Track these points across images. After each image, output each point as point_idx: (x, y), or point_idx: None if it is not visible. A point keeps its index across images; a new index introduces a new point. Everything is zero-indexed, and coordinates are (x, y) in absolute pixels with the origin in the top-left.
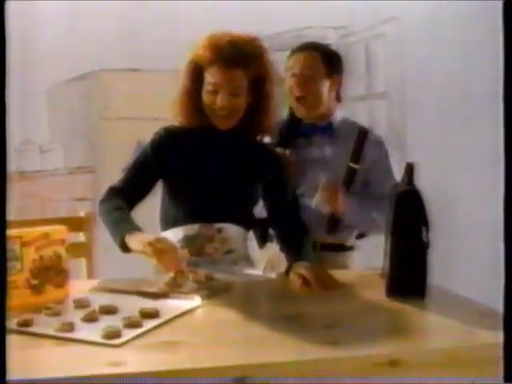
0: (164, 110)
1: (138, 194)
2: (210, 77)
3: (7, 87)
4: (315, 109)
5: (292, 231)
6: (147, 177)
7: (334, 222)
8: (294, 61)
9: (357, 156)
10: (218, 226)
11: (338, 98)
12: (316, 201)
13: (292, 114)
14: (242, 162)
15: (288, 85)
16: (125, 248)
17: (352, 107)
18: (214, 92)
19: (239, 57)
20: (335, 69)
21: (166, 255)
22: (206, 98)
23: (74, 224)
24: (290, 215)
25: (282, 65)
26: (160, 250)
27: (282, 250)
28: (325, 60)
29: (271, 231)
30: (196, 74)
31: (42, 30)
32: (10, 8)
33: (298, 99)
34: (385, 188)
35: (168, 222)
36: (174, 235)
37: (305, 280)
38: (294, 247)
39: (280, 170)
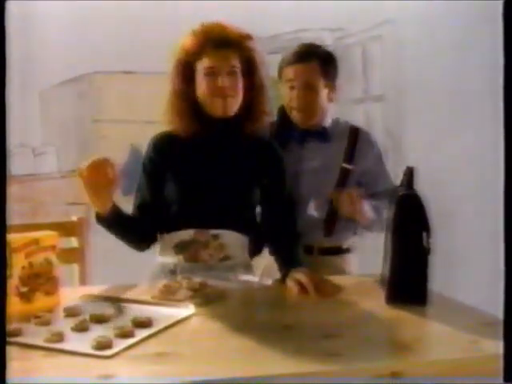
0: (158, 113)
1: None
2: (204, 63)
3: (7, 88)
4: (313, 118)
5: (287, 236)
6: (159, 189)
7: (330, 225)
8: (294, 73)
9: (350, 156)
10: (213, 232)
11: (331, 100)
12: (317, 208)
13: (283, 118)
14: (239, 164)
15: (287, 96)
16: (99, 217)
17: (349, 110)
18: (213, 75)
19: (228, 39)
20: (333, 76)
21: (91, 168)
22: (204, 86)
23: (67, 229)
24: (285, 218)
25: (278, 67)
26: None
27: (272, 253)
28: (323, 69)
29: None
30: (186, 72)
31: (34, 32)
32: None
33: (296, 111)
34: (381, 187)
35: (164, 227)
36: (170, 240)
37: (302, 287)
38: (290, 253)
39: (280, 169)
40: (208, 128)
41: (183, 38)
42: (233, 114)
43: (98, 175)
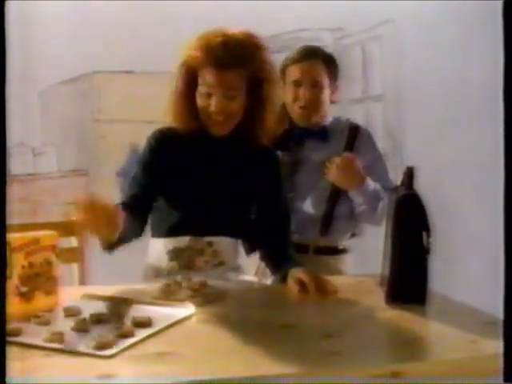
0: (158, 113)
1: (149, 202)
2: (204, 79)
3: (7, 88)
4: (316, 117)
5: (282, 242)
6: (153, 182)
7: (327, 223)
8: (301, 71)
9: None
10: (208, 239)
11: (333, 101)
12: (314, 205)
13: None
14: (238, 170)
15: (292, 95)
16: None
17: (348, 110)
18: (208, 95)
19: (233, 58)
20: (335, 76)
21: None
22: (200, 101)
23: (66, 228)
24: (281, 226)
25: (277, 67)
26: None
27: (264, 258)
28: (327, 68)
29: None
30: (189, 75)
31: (34, 31)
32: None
33: (302, 108)
34: (381, 184)
35: (159, 231)
36: (164, 246)
37: (303, 286)
38: (287, 255)
39: (278, 177)
40: (205, 135)
41: (191, 42)
42: (226, 132)
43: (96, 215)
